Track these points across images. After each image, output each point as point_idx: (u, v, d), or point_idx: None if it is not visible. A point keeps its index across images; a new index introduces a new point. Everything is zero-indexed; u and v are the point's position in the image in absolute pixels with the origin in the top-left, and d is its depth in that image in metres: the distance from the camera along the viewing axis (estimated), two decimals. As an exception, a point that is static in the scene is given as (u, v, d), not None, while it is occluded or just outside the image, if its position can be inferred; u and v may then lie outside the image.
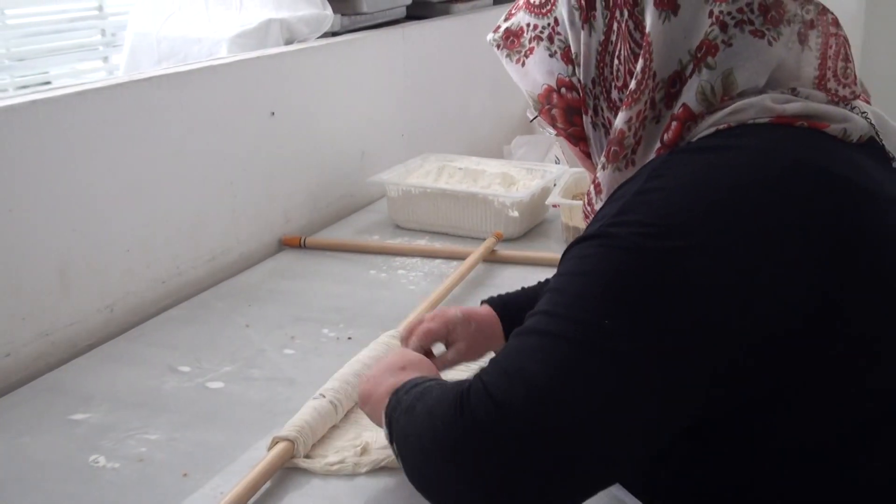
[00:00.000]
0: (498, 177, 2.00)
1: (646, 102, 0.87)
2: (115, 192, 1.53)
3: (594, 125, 0.95)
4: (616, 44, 0.90)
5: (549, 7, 0.97)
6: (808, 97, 0.86)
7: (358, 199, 2.16)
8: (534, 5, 0.98)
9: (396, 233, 1.97)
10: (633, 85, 0.87)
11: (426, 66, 2.43)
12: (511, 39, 1.01)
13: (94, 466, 1.13)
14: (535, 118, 1.03)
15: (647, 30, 0.86)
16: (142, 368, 1.38)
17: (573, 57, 0.95)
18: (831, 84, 0.88)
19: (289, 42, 2.02)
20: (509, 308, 1.27)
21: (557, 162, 2.84)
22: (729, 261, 0.75)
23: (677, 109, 0.85)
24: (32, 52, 2.35)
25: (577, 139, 0.98)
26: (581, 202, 1.79)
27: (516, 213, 1.88)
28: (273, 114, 1.87)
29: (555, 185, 1.98)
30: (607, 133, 0.93)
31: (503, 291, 1.31)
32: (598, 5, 0.91)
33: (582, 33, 0.93)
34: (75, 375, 1.38)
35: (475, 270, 1.74)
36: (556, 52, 0.96)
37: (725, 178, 0.78)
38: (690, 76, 0.85)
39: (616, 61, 0.90)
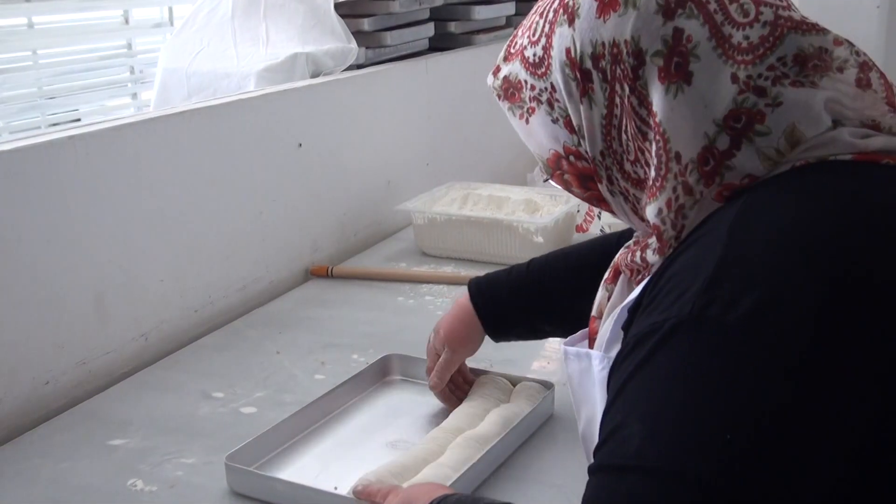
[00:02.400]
0: (522, 203, 2.03)
1: (674, 189, 0.77)
2: (148, 223, 1.58)
3: (611, 192, 0.87)
4: (621, 119, 0.81)
5: (544, 69, 0.87)
6: (890, 129, 0.77)
7: (385, 228, 2.19)
8: (529, 62, 0.89)
9: (423, 260, 2.00)
10: (652, 174, 0.79)
11: (449, 97, 2.47)
12: (511, 92, 0.92)
13: (133, 490, 1.17)
14: (547, 180, 0.94)
15: (654, 108, 0.78)
16: (177, 395, 1.42)
17: (576, 128, 0.86)
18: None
19: (315, 75, 2.07)
20: (487, 299, 1.29)
21: (581, 188, 2.87)
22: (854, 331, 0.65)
23: (741, 180, 0.76)
24: (63, 90, 2.41)
25: (598, 201, 0.90)
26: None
27: (541, 239, 1.91)
28: (300, 145, 1.92)
29: (578, 210, 2.00)
30: (627, 199, 0.86)
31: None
32: (596, 78, 0.82)
33: (581, 106, 0.84)
34: (112, 402, 1.42)
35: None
36: (557, 118, 0.87)
37: (825, 230, 0.69)
38: (739, 148, 0.76)
39: (624, 136, 0.82)
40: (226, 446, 1.24)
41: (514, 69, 0.91)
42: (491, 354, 1.51)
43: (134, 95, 2.82)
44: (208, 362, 1.54)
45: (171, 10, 2.89)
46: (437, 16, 2.52)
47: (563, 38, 0.84)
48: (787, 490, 0.63)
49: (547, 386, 1.32)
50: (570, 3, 0.84)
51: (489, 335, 1.31)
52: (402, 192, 2.19)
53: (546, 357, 1.53)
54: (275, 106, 1.87)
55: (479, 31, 2.68)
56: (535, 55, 0.87)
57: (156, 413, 1.37)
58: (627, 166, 0.83)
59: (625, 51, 0.79)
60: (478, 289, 1.30)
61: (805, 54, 0.77)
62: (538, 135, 0.90)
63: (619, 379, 0.72)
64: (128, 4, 2.78)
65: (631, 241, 0.92)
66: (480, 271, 1.87)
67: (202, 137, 1.68)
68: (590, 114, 0.83)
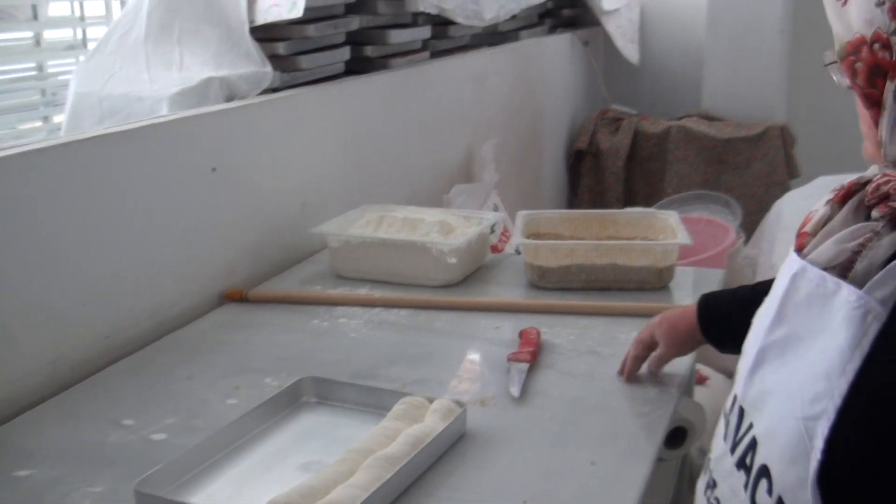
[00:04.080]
0: (436, 225, 2.05)
1: None
2: (58, 248, 1.55)
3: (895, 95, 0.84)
4: None
5: None
6: None
7: (300, 251, 2.19)
8: None
9: (338, 282, 2.01)
10: None
11: (365, 120, 2.48)
12: None
13: (39, 521, 1.15)
14: (830, 63, 0.91)
15: None
16: (85, 423, 1.40)
17: None
18: None
19: (229, 99, 2.06)
20: (711, 306, 1.41)
21: (496, 209, 2.91)
22: None
23: None
24: (-28, 113, 2.36)
25: (872, 103, 0.87)
26: (539, 242, 1.85)
27: (454, 260, 1.93)
28: (214, 169, 1.91)
29: (492, 230, 2.03)
30: None
31: (441, 338, 1.35)
32: None
33: None
34: (19, 432, 1.39)
35: (414, 318, 1.79)
36: (884, 2, 0.84)
37: None
38: None
39: None
40: (135, 474, 1.22)
41: None
42: (404, 375, 1.53)
43: (45, 119, 2.77)
44: (119, 390, 1.52)
45: (84, 32, 2.85)
46: (353, 39, 2.53)
47: None
48: None
49: (460, 405, 1.34)
50: None
51: (715, 344, 1.41)
52: (318, 215, 2.20)
53: (459, 377, 1.55)
54: (188, 130, 1.86)
55: (395, 55, 2.70)
56: None
57: (63, 442, 1.34)
58: None
59: None
60: (706, 303, 1.42)
61: None
62: (851, 13, 0.86)
63: None
64: (39, 27, 2.73)
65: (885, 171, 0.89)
66: (395, 293, 1.91)
67: (115, 162, 1.67)
68: None
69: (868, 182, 0.90)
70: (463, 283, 1.98)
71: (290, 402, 1.42)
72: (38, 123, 2.73)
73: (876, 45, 0.84)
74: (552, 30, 4.00)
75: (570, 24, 4.19)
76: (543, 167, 3.89)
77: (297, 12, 2.13)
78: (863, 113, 0.89)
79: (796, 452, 0.84)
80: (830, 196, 0.93)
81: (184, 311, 1.83)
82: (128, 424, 1.39)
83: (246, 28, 2.16)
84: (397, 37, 2.67)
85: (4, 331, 1.46)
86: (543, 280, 1.93)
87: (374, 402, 1.40)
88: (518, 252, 2.20)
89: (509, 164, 3.43)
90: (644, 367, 1.50)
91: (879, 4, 0.84)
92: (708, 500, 1.01)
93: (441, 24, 2.94)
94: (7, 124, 2.43)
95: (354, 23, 2.49)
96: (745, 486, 0.91)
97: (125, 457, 1.30)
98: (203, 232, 1.89)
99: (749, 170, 3.73)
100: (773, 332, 0.94)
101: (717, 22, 3.90)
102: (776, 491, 0.86)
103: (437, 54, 2.99)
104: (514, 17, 3.38)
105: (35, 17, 2.68)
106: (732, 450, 0.96)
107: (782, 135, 3.70)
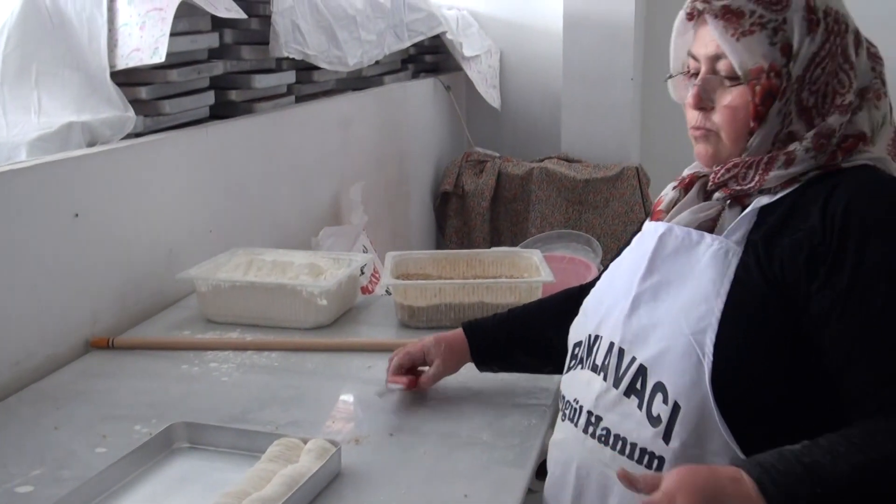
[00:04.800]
0: (306, 267, 2.07)
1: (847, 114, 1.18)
2: (-89, 300, 1.50)
3: (779, 112, 1.19)
4: (825, 58, 1.18)
5: (780, 7, 1.18)
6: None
7: (167, 296, 2.17)
8: (766, 0, 1.19)
9: (208, 327, 1.99)
10: (850, 97, 1.18)
11: (232, 164, 2.48)
12: (729, 16, 1.19)
13: None
14: (736, 84, 1.21)
15: (853, 59, 1.19)
16: (-55, 479, 1.35)
17: (791, 53, 1.18)
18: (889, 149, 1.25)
19: (91, 144, 2.03)
20: (476, 331, 1.59)
21: (365, 250, 2.94)
22: None
23: (853, 132, 1.19)
24: None
25: (759, 117, 1.20)
26: (409, 282, 1.90)
27: (325, 302, 1.95)
28: (77, 215, 1.88)
29: (362, 272, 2.06)
30: (783, 123, 1.19)
31: (314, 379, 1.37)
32: (822, 25, 1.18)
33: (807, 38, 1.18)
34: None
35: (286, 360, 1.80)
36: (776, 43, 1.18)
37: None
38: (861, 108, 1.20)
39: (818, 70, 1.18)
40: (1, 528, 1.20)
41: (739, 3, 1.19)
42: (278, 417, 1.54)
43: None
44: (-20, 443, 1.47)
45: (-68, 76, 2.75)
46: (218, 84, 2.54)
47: None
48: None
49: (334, 444, 1.36)
50: None
51: (475, 362, 1.59)
52: (185, 260, 2.18)
53: (332, 417, 1.57)
54: (49, 176, 1.83)
55: (260, 99, 2.72)
56: None
57: (-78, 499, 1.30)
58: (805, 94, 1.18)
59: (841, 19, 1.20)
60: (468, 324, 1.61)
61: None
62: (750, 50, 1.19)
63: (867, 310, 1.09)
64: None
65: (729, 161, 1.23)
66: (267, 336, 1.91)
67: (-30, 209, 1.63)
68: (809, 45, 1.18)
69: (703, 175, 1.29)
70: (334, 324, 2.00)
71: (161, 448, 1.41)
72: None
73: (772, 74, 1.18)
74: (415, 75, 4.09)
75: (432, 70, 4.29)
76: (411, 208, 3.95)
77: (159, 58, 2.12)
78: (740, 120, 1.21)
79: (687, 363, 1.14)
80: (675, 184, 1.32)
81: (47, 359, 1.79)
82: (-9, 478, 1.35)
83: (107, 73, 2.14)
84: (262, 81, 2.69)
85: None
86: (413, 319, 1.97)
87: (247, 444, 1.41)
88: (388, 292, 2.24)
89: (377, 205, 3.47)
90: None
91: (773, 44, 1.18)
92: (590, 437, 1.25)
93: (305, 69, 2.97)
94: None
95: (218, 68, 2.50)
96: (640, 405, 1.18)
97: (-11, 511, 1.26)
98: (66, 279, 1.86)
99: (608, 209, 3.88)
100: (644, 281, 1.25)
101: (573, 69, 4.06)
102: (671, 398, 1.14)
103: (302, 99, 3.02)
104: (377, 62, 3.44)
105: None
106: (616, 384, 1.22)
107: (637, 175, 3.87)
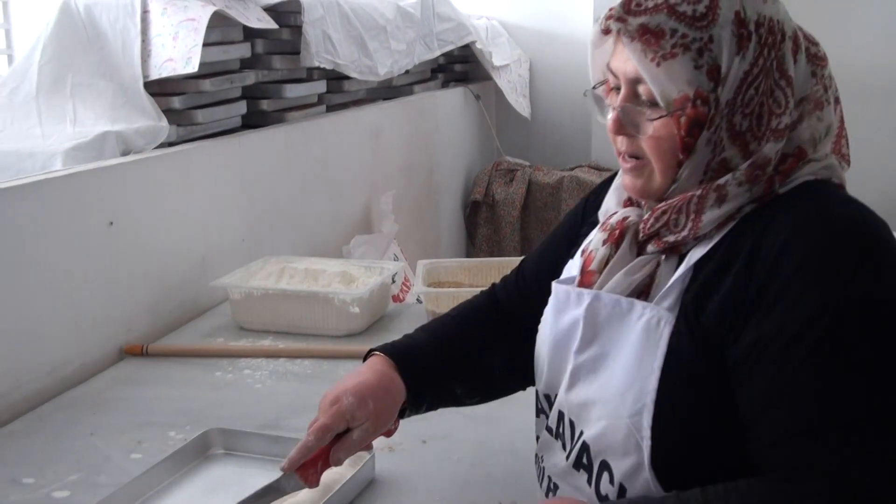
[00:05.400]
0: (338, 275, 2.07)
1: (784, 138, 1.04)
2: (-50, 307, 1.52)
3: (709, 141, 1.04)
4: (758, 76, 1.03)
5: (706, 23, 1.02)
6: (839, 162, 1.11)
7: (201, 304, 2.18)
8: (687, 16, 1.03)
9: (241, 334, 2.01)
10: (786, 119, 1.04)
11: (264, 172, 2.50)
12: (648, 37, 1.03)
13: (-62, 584, 1.12)
14: (658, 118, 1.05)
15: (790, 73, 1.05)
16: (-17, 483, 1.37)
17: (719, 76, 1.02)
18: (844, 149, 1.14)
19: (125, 153, 2.06)
20: (411, 363, 1.26)
21: (396, 259, 2.95)
22: None
23: (792, 149, 1.05)
24: None
25: (686, 148, 1.05)
26: (440, 290, 1.88)
27: (357, 310, 1.96)
28: (112, 224, 1.90)
29: (393, 280, 2.06)
30: (714, 152, 1.04)
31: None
32: (753, 38, 1.02)
33: (736, 58, 1.02)
34: (-88, 495, 1.35)
35: (318, 367, 1.80)
36: (702, 66, 1.02)
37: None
38: (800, 122, 1.06)
39: (751, 90, 1.03)
40: (38, 533, 1.22)
41: (658, 20, 1.04)
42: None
43: (-71, 176, 2.69)
44: (17, 448, 1.49)
45: (-31, 88, 2.79)
46: (249, 94, 2.56)
47: (732, 3, 1.03)
48: None
49: (368, 451, 1.35)
50: None
51: (409, 405, 1.26)
52: (218, 268, 2.19)
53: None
54: (84, 184, 1.85)
55: (291, 109, 2.74)
56: (695, 11, 1.03)
57: (-39, 504, 1.31)
58: (737, 118, 1.03)
59: (776, 27, 1.05)
60: (395, 351, 1.28)
61: (832, 76, 1.11)
62: (672, 76, 1.03)
63: (782, 364, 0.96)
64: (-78, 82, 2.67)
65: (657, 207, 1.08)
66: (300, 343, 1.92)
67: (7, 218, 1.65)
68: (739, 65, 1.02)
69: (633, 222, 1.12)
70: (366, 332, 2.00)
71: (196, 454, 1.42)
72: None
73: (698, 102, 1.03)
74: (445, 84, 4.10)
75: (462, 79, 4.30)
76: (441, 217, 3.95)
77: (192, 68, 2.15)
78: (667, 151, 1.06)
79: (627, 446, 1.04)
80: (605, 237, 1.14)
81: (83, 366, 1.81)
82: (28, 483, 1.37)
83: (140, 83, 2.16)
84: (293, 91, 2.71)
85: None
86: (445, 327, 1.96)
87: (281, 451, 1.39)
88: (419, 301, 2.24)
89: (408, 214, 3.48)
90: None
91: (698, 67, 1.02)
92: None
93: (336, 78, 2.99)
94: None
95: (250, 77, 2.52)
96: (589, 481, 1.10)
97: (26, 516, 1.28)
98: (100, 286, 1.87)
99: (638, 217, 3.86)
100: (580, 354, 1.12)
101: (604, 76, 4.04)
102: (616, 480, 1.06)
103: (332, 108, 3.03)
104: (407, 72, 3.45)
105: (-83, 71, 2.63)
106: (568, 455, 1.13)
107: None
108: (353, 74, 2.94)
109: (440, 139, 3.87)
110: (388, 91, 3.50)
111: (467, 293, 1.97)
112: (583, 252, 1.17)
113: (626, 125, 1.08)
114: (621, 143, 1.11)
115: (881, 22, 4.16)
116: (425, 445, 1.46)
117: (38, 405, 1.66)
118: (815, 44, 1.11)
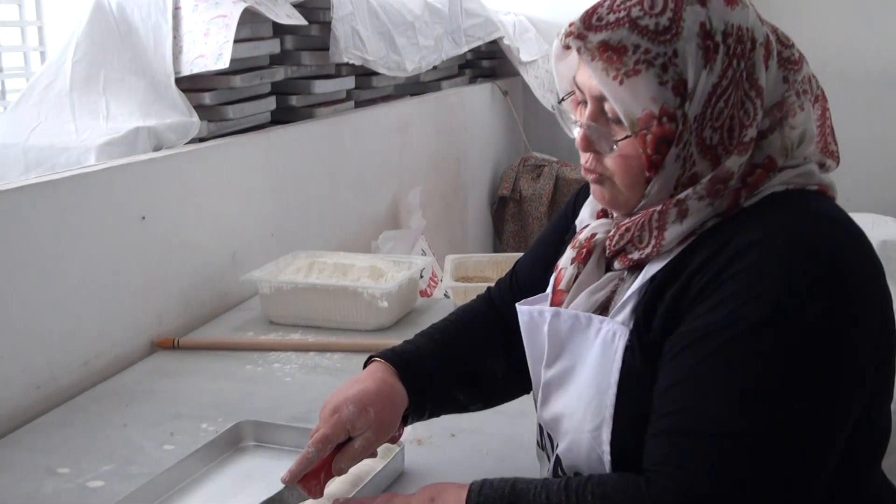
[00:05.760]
0: (366, 270, 2.08)
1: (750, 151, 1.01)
2: (-14, 300, 1.55)
3: (678, 157, 1.00)
4: (728, 89, 0.99)
5: (669, 37, 0.98)
6: (823, 164, 1.08)
7: (231, 298, 2.20)
8: (649, 30, 0.99)
9: (270, 328, 2.02)
10: (753, 132, 1.00)
11: (293, 168, 2.51)
12: (609, 55, 1.00)
13: (-23, 571, 1.14)
14: (624, 138, 1.02)
15: (761, 82, 1.01)
16: (20, 472, 1.39)
17: (685, 91, 0.99)
18: (832, 147, 1.10)
19: (157, 148, 2.08)
20: (412, 369, 1.25)
21: (423, 254, 2.96)
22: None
23: (762, 160, 1.02)
24: None
25: (653, 166, 1.02)
26: (468, 284, 1.89)
27: (386, 304, 1.96)
28: (144, 218, 1.92)
29: (421, 275, 2.07)
30: (684, 168, 1.01)
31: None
32: (721, 50, 0.98)
33: (703, 71, 0.98)
34: (-49, 484, 1.37)
35: (347, 361, 1.81)
36: (667, 81, 0.98)
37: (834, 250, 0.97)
38: (772, 132, 1.02)
39: (721, 103, 0.99)
40: (74, 521, 1.23)
41: (620, 35, 1.00)
42: (341, 417, 1.55)
43: (-36, 171, 2.73)
44: (52, 438, 1.51)
45: (3, 83, 2.84)
46: (279, 90, 2.57)
47: (696, 14, 0.99)
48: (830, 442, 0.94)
49: (390, 446, 1.36)
50: None
51: (411, 412, 1.26)
52: (248, 263, 2.21)
53: (395, 417, 1.57)
54: (117, 179, 1.87)
55: (319, 105, 2.75)
56: (658, 24, 0.99)
57: (-2, 492, 1.33)
58: (707, 132, 1.00)
59: (745, 35, 1.00)
60: (395, 358, 1.27)
61: (810, 76, 1.08)
62: (636, 94, 1.00)
63: (690, 359, 0.96)
64: (-43, 78, 2.71)
65: (621, 224, 1.07)
66: (329, 337, 1.93)
67: (42, 212, 1.67)
68: (707, 78, 0.99)
69: (599, 240, 1.12)
70: (394, 326, 2.01)
71: (228, 446, 1.43)
72: (-44, 175, 2.69)
73: (664, 119, 0.99)
74: (473, 80, 4.10)
75: (489, 75, 4.30)
76: (468, 213, 3.96)
77: (223, 64, 2.16)
78: (633, 170, 1.04)
79: (591, 459, 1.05)
80: (573, 256, 1.14)
81: (116, 359, 1.83)
82: (63, 472, 1.39)
83: (172, 79, 2.18)
84: (322, 87, 2.72)
85: (-67, 383, 1.45)
86: (473, 321, 1.97)
87: None
88: (447, 296, 2.25)
89: (435, 210, 3.48)
90: None
91: (663, 83, 0.99)
92: None
93: (364, 74, 3.00)
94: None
95: (279, 73, 2.54)
96: None
97: (62, 505, 1.30)
98: (133, 280, 1.89)
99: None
100: (548, 369, 1.13)
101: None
102: None
103: (361, 104, 3.04)
104: (435, 67, 3.46)
105: (-50, 68, 2.66)
106: (550, 466, 1.16)
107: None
108: (381, 70, 2.95)
109: (467, 135, 3.87)
110: (415, 87, 3.51)
111: (495, 288, 1.98)
112: (555, 268, 1.17)
113: (593, 143, 1.06)
114: (587, 159, 1.08)
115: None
116: (454, 439, 1.47)
117: (73, 397, 1.68)
118: (789, 46, 1.06)
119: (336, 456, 1.16)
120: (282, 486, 1.16)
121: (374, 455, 1.23)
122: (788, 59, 1.05)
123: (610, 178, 1.06)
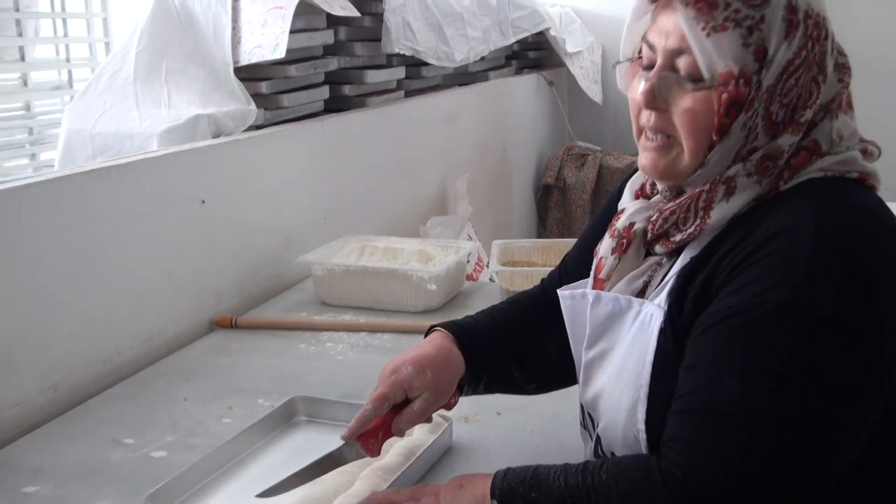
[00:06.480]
0: (415, 254, 2.10)
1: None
2: (56, 278, 1.58)
3: (744, 126, 0.99)
4: (800, 67, 0.99)
5: (759, 2, 0.98)
6: (865, 151, 1.06)
7: (285, 280, 2.23)
8: None
9: (322, 309, 2.04)
10: (809, 115, 1.00)
11: (345, 155, 2.53)
12: (702, 5, 0.99)
13: (49, 534, 1.17)
14: (700, 90, 1.01)
15: (828, 70, 1.01)
16: (88, 442, 1.42)
17: (765, 58, 0.98)
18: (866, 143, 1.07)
19: (216, 135, 2.11)
20: (471, 338, 1.26)
21: (470, 239, 2.97)
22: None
23: (808, 142, 1.01)
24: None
25: (721, 130, 1.00)
26: (514, 269, 1.89)
27: (434, 287, 1.98)
28: (203, 202, 1.95)
29: (468, 259, 2.08)
30: (747, 138, 1.00)
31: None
32: (801, 28, 0.99)
33: (784, 43, 0.98)
34: (24, 452, 1.41)
35: (397, 342, 1.84)
36: (751, 44, 0.98)
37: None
38: (822, 119, 1.02)
39: (791, 80, 0.99)
40: (138, 489, 1.26)
41: None
42: (391, 394, 1.56)
43: (33, 156, 2.79)
44: (118, 410, 1.55)
45: (70, 73, 2.88)
46: (332, 79, 2.59)
47: None
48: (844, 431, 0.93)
49: (446, 419, 1.38)
50: None
51: (467, 380, 1.25)
52: (302, 245, 2.24)
53: (442, 395, 1.58)
54: (178, 164, 1.90)
55: (371, 94, 2.77)
56: None
57: (68, 460, 1.37)
58: (774, 106, 0.99)
59: (822, 22, 1.01)
60: (454, 327, 1.28)
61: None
62: (720, 49, 0.99)
63: (709, 341, 0.96)
64: (26, 67, 2.76)
65: (664, 207, 1.07)
66: (379, 318, 1.95)
67: (108, 195, 1.70)
68: (785, 52, 0.99)
69: (639, 229, 1.10)
70: (442, 308, 2.03)
71: (282, 420, 1.45)
72: (25, 160, 2.75)
73: (741, 81, 0.98)
74: (519, 71, 4.09)
75: (535, 66, 4.28)
76: (513, 200, 3.96)
77: (280, 54, 2.18)
78: (699, 128, 1.02)
79: (627, 439, 1.06)
80: (613, 245, 1.13)
81: (177, 336, 1.86)
82: (128, 443, 1.42)
83: (230, 68, 2.21)
84: (373, 77, 2.74)
85: (5, 356, 1.49)
86: (519, 304, 1.97)
87: None
88: (492, 280, 2.26)
89: (481, 197, 3.49)
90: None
91: (746, 45, 0.98)
92: None
93: (414, 64, 3.01)
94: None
95: (333, 64, 2.56)
96: None
97: (127, 473, 1.33)
98: (193, 261, 1.93)
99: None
100: (589, 350, 1.14)
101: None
102: None
103: (411, 93, 3.05)
104: (482, 58, 3.46)
105: (22, 58, 2.71)
106: (594, 447, 1.15)
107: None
108: (430, 61, 2.96)
109: (513, 124, 3.87)
110: (463, 77, 3.51)
111: (540, 272, 1.98)
112: (595, 254, 1.17)
113: (659, 97, 1.03)
114: (647, 117, 1.05)
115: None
116: (500, 417, 1.48)
117: (137, 371, 1.72)
118: (844, 55, 1.07)
119: (396, 417, 1.17)
120: (341, 441, 1.17)
121: (429, 420, 1.24)
122: (843, 66, 1.06)
123: (671, 143, 1.04)
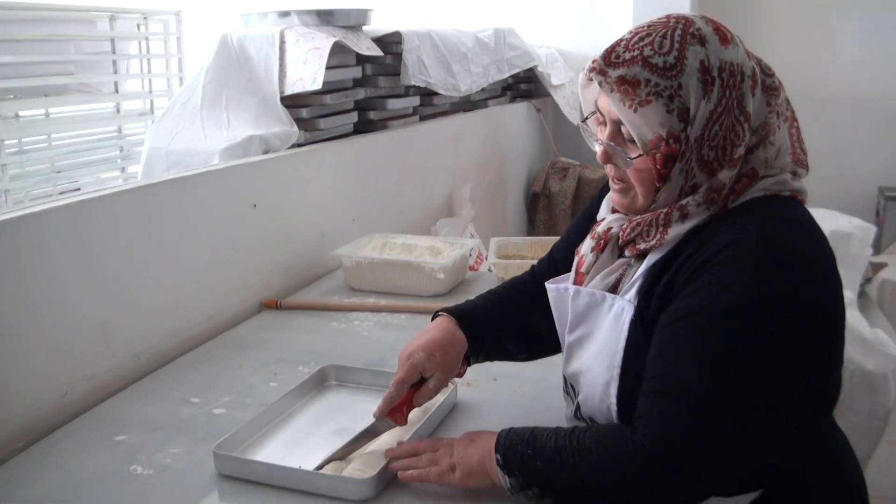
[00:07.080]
0: (427, 249, 2.11)
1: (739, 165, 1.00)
2: (139, 269, 1.60)
3: (681, 171, 1.00)
4: (722, 115, 0.98)
5: (675, 73, 0.98)
6: (795, 173, 1.05)
7: (320, 269, 2.24)
8: (658, 67, 0.98)
9: (351, 294, 2.05)
10: (741, 150, 0.99)
11: (370, 168, 2.54)
12: (626, 88, 0.99)
13: (134, 474, 1.20)
14: (637, 157, 1.03)
15: (748, 109, 1.00)
16: (163, 401, 1.45)
17: (688, 117, 0.98)
18: (801, 156, 1.07)
19: (265, 152, 2.12)
20: (473, 323, 1.28)
21: (472, 237, 2.98)
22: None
23: (747, 170, 1.01)
24: (68, 165, 2.41)
25: (662, 178, 1.02)
26: (508, 261, 1.90)
27: (442, 276, 1.99)
28: (255, 206, 1.96)
29: (470, 254, 2.08)
30: (686, 179, 1.01)
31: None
32: (717, 83, 0.98)
33: (703, 101, 0.97)
34: (115, 408, 1.44)
35: (412, 320, 1.85)
36: (674, 109, 0.98)
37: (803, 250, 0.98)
38: (756, 149, 1.01)
39: (716, 127, 0.98)
40: (204, 439, 1.28)
41: (634, 71, 0.99)
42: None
43: (122, 169, 2.82)
44: (186, 375, 1.57)
45: (152, 102, 2.92)
46: (360, 106, 2.60)
47: (697, 53, 0.99)
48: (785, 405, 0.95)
49: (452, 383, 1.39)
50: (697, 32, 1.00)
51: (470, 354, 1.28)
52: (334, 241, 2.25)
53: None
54: (235, 176, 1.91)
55: (392, 118, 2.77)
56: (666, 62, 0.98)
57: (148, 415, 1.39)
58: (705, 150, 0.99)
59: (736, 70, 0.99)
60: (457, 311, 1.30)
61: (787, 100, 1.06)
62: (648, 121, 0.99)
63: (672, 334, 0.97)
64: (119, 98, 2.80)
65: (633, 219, 1.07)
66: (397, 301, 1.96)
67: (180, 200, 1.72)
68: (706, 106, 0.98)
69: (614, 233, 1.11)
70: (449, 293, 2.04)
71: (317, 384, 1.47)
72: (116, 173, 2.78)
73: (670, 140, 0.99)
74: (512, 99, 4.09)
75: (526, 96, 4.28)
76: (508, 205, 3.96)
77: (317, 85, 2.19)
78: (645, 181, 1.04)
79: (602, 408, 1.08)
80: (593, 245, 1.14)
81: (233, 315, 1.88)
82: (195, 402, 1.44)
83: (278, 97, 2.22)
84: (394, 104, 2.74)
85: (102, 331, 1.51)
86: (511, 291, 1.98)
87: (384, 383, 1.42)
88: (490, 270, 2.27)
89: (481, 203, 3.50)
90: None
91: (670, 111, 0.98)
92: None
93: (427, 94, 3.01)
94: (93, 174, 2.48)
95: (361, 93, 2.56)
96: None
97: (195, 426, 1.35)
98: (246, 254, 1.94)
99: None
100: (571, 333, 1.15)
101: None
102: None
103: (424, 118, 3.06)
104: (483, 89, 3.46)
105: (116, 91, 2.74)
106: (574, 410, 1.16)
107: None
108: (440, 91, 2.97)
109: (508, 143, 3.87)
110: (467, 104, 3.51)
111: (529, 264, 1.99)
112: (576, 252, 1.19)
113: (611, 158, 1.06)
114: (610, 168, 1.09)
115: (857, 48, 4.03)
116: (496, 382, 1.50)
117: (201, 344, 1.74)
118: (770, 75, 1.05)
119: (416, 393, 1.21)
120: (374, 419, 1.20)
121: (460, 373, 1.28)
122: (770, 87, 1.04)
123: (629, 187, 1.07)
